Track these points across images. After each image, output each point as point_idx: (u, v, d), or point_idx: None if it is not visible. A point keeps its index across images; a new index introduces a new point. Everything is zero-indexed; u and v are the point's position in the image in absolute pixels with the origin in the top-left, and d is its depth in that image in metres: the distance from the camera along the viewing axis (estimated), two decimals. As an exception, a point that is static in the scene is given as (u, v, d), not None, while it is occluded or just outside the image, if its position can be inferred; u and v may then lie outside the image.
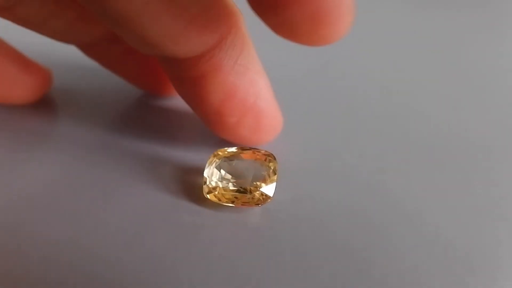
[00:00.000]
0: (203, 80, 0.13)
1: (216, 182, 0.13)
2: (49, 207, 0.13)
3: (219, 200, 0.13)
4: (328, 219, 0.13)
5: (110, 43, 0.15)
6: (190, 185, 0.14)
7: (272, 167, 0.13)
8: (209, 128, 0.14)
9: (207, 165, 0.13)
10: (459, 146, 0.15)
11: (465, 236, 0.12)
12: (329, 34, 0.09)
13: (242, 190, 0.12)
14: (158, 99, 0.18)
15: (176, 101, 0.17)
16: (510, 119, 0.17)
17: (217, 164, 0.13)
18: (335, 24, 0.09)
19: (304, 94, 0.18)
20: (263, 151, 0.13)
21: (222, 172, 0.13)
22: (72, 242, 0.12)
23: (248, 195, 0.12)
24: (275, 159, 0.13)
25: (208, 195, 0.13)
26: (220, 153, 0.13)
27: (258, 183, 0.12)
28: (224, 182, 0.13)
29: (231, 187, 0.13)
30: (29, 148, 0.15)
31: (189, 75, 0.13)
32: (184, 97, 0.14)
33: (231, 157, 0.13)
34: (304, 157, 0.15)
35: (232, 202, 0.13)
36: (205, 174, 0.13)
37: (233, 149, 0.13)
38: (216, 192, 0.13)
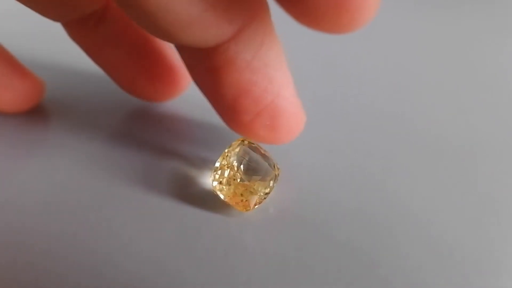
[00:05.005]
0: (217, 72, 0.12)
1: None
2: (51, 208, 0.13)
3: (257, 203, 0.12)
4: (333, 218, 0.13)
5: (96, 23, 0.15)
6: (187, 185, 0.14)
7: (262, 149, 0.13)
8: (225, 123, 0.13)
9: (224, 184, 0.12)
10: (464, 146, 0.16)
11: (470, 235, 0.12)
12: (353, 21, 0.09)
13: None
14: (151, 106, 0.17)
15: (170, 107, 0.17)
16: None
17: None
18: (359, 10, 0.09)
19: (310, 92, 0.18)
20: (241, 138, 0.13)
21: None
22: (74, 239, 0.12)
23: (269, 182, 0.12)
24: (252, 142, 0.13)
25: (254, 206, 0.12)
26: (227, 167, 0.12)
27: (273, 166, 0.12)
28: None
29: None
30: (26, 156, 0.15)
31: (203, 65, 0.12)
32: (200, 87, 0.13)
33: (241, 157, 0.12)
34: (310, 156, 0.15)
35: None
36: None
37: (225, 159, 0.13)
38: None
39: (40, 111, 0.17)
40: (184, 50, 0.12)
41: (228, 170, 0.12)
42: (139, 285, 0.11)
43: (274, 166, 0.13)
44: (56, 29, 0.15)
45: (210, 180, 0.13)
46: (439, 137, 0.16)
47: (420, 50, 0.22)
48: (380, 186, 0.14)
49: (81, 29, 0.15)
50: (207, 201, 0.13)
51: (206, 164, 0.14)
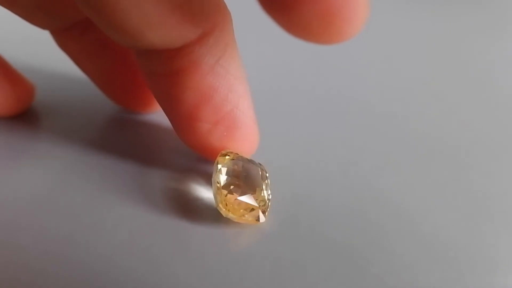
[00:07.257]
0: (179, 77, 0.12)
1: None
2: (43, 210, 0.12)
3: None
4: (326, 217, 0.13)
5: (83, 32, 0.15)
6: (181, 192, 0.13)
7: (247, 158, 0.13)
8: (179, 135, 0.13)
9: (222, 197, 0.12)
10: (457, 145, 0.16)
11: (463, 233, 0.12)
12: (341, 32, 0.09)
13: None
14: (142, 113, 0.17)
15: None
16: (510, 118, 0.17)
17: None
18: (347, 22, 0.09)
19: (302, 93, 0.18)
20: (228, 151, 0.13)
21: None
22: (69, 240, 0.12)
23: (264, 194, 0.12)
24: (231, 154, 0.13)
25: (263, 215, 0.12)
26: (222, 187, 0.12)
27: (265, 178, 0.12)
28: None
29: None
30: (17, 158, 0.15)
31: (165, 70, 0.12)
32: (157, 97, 0.13)
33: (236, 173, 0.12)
34: (303, 155, 0.15)
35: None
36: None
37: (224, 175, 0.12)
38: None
39: (30, 115, 0.17)
40: (147, 55, 0.12)
41: (225, 195, 0.12)
42: (135, 285, 0.11)
43: (260, 166, 0.13)
44: (47, 32, 0.15)
45: (205, 191, 0.13)
46: (432, 135, 0.16)
47: (413, 49, 0.23)
48: (373, 184, 0.14)
49: (68, 37, 0.15)
50: (200, 206, 0.13)
51: (200, 169, 0.14)
